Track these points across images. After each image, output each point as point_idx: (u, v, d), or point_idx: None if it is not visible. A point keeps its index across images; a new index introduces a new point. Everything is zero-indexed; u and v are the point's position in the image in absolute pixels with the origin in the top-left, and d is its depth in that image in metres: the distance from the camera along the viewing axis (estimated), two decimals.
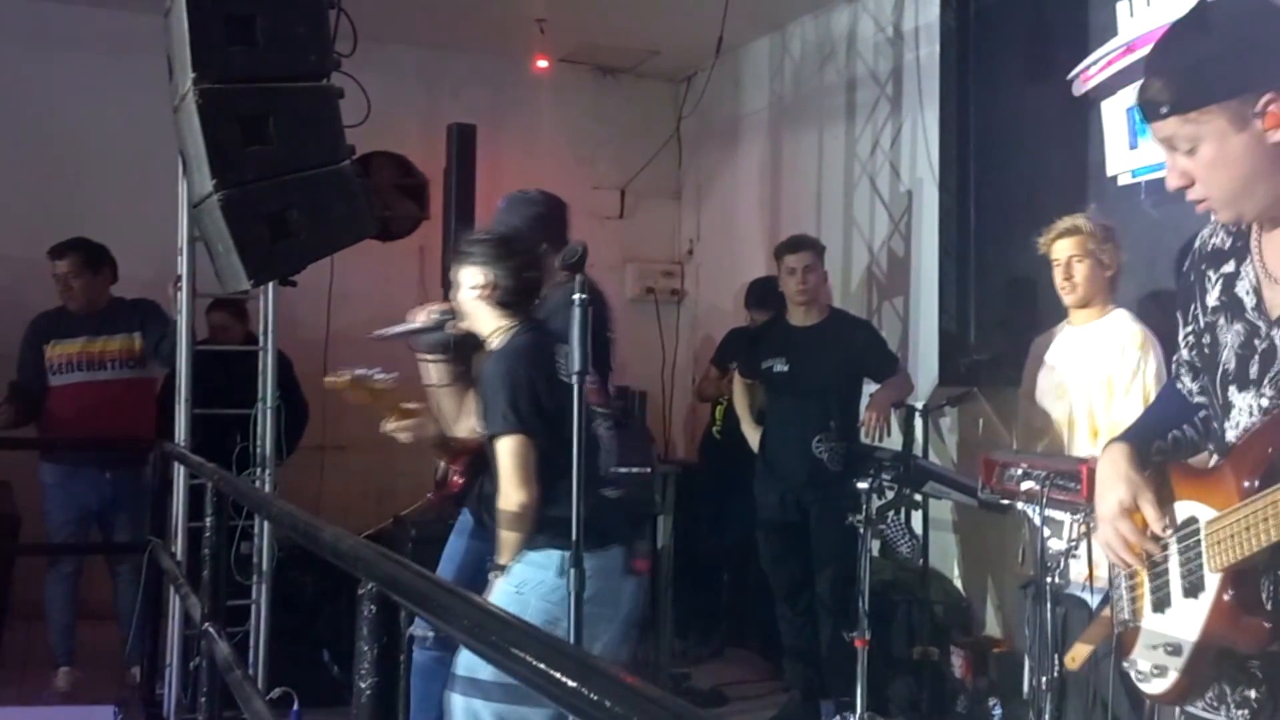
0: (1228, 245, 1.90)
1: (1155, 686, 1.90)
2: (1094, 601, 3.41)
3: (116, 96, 6.30)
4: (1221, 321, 1.87)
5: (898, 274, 5.96)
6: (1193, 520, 1.84)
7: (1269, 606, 1.75)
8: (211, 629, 3.09)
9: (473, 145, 5.38)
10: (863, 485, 4.14)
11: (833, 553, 4.74)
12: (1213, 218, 1.89)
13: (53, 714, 4.51)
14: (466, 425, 3.41)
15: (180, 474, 4.48)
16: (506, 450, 2.98)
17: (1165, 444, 1.99)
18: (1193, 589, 1.83)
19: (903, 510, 5.12)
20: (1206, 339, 1.91)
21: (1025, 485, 3.29)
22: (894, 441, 5.14)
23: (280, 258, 3.72)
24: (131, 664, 4.98)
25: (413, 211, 5.71)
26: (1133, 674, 1.95)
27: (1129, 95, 4.31)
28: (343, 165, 3.76)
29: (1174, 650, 1.85)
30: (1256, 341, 1.81)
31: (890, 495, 4.39)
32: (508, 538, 3.00)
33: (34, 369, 5.19)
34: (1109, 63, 4.39)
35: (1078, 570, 3.26)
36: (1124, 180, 4.38)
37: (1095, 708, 3.45)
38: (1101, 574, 3.39)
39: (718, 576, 6.31)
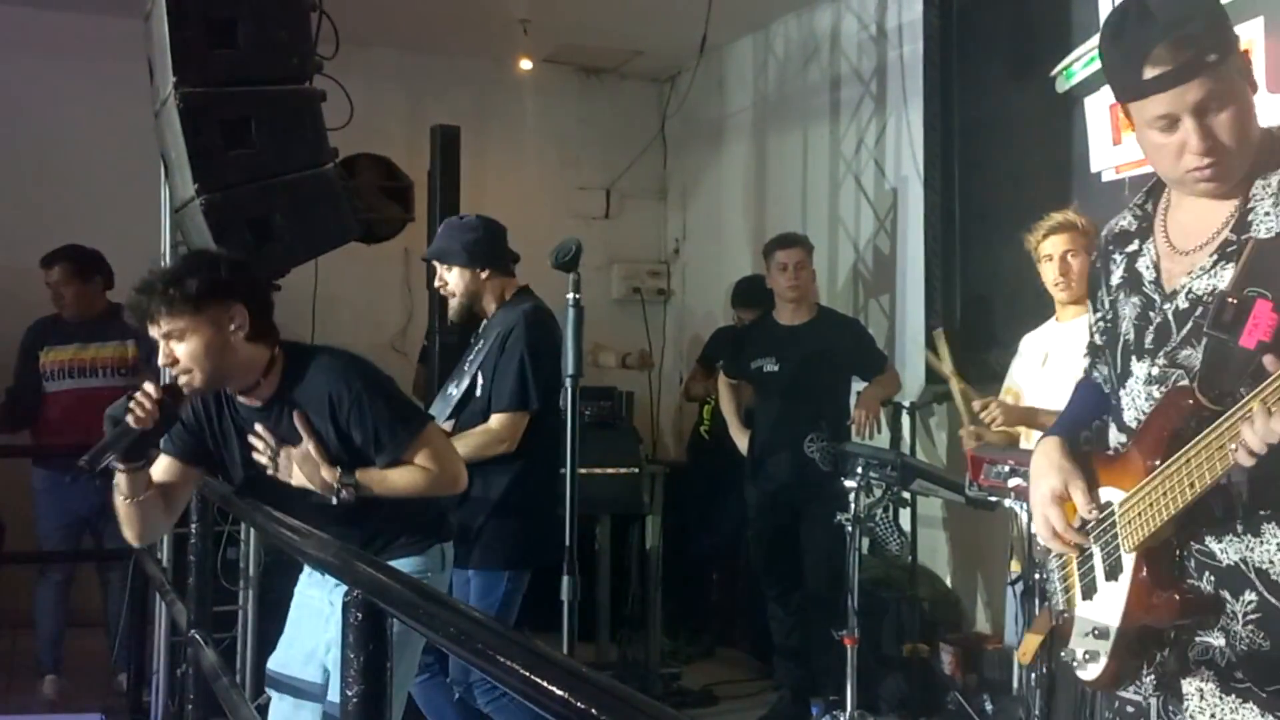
0: (1134, 227, 1.97)
1: (1089, 672, 1.94)
2: None
3: (97, 101, 6.27)
4: (1122, 296, 1.94)
5: (883, 272, 5.97)
6: (1108, 504, 1.90)
7: (1181, 581, 1.81)
8: (198, 636, 3.07)
9: (457, 147, 5.37)
10: (851, 483, 4.14)
11: (823, 552, 4.74)
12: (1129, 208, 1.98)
13: None
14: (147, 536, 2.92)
15: None
16: (437, 437, 2.84)
17: (1090, 434, 2.07)
18: (1113, 571, 1.88)
19: (891, 508, 5.12)
20: (1110, 315, 1.98)
21: (1013, 482, 3.29)
22: (882, 439, 5.14)
23: (264, 262, 3.69)
24: (118, 671, 4.96)
25: (397, 214, 5.68)
26: (1071, 662, 1.99)
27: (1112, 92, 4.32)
28: (326, 168, 3.74)
29: (1101, 634, 1.90)
30: (1152, 314, 1.87)
31: (878, 493, 4.39)
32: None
33: (29, 375, 5.20)
34: (1092, 59, 4.40)
35: None
36: (1108, 176, 4.39)
37: (1085, 705, 3.46)
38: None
39: (706, 576, 6.31)
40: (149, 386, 2.63)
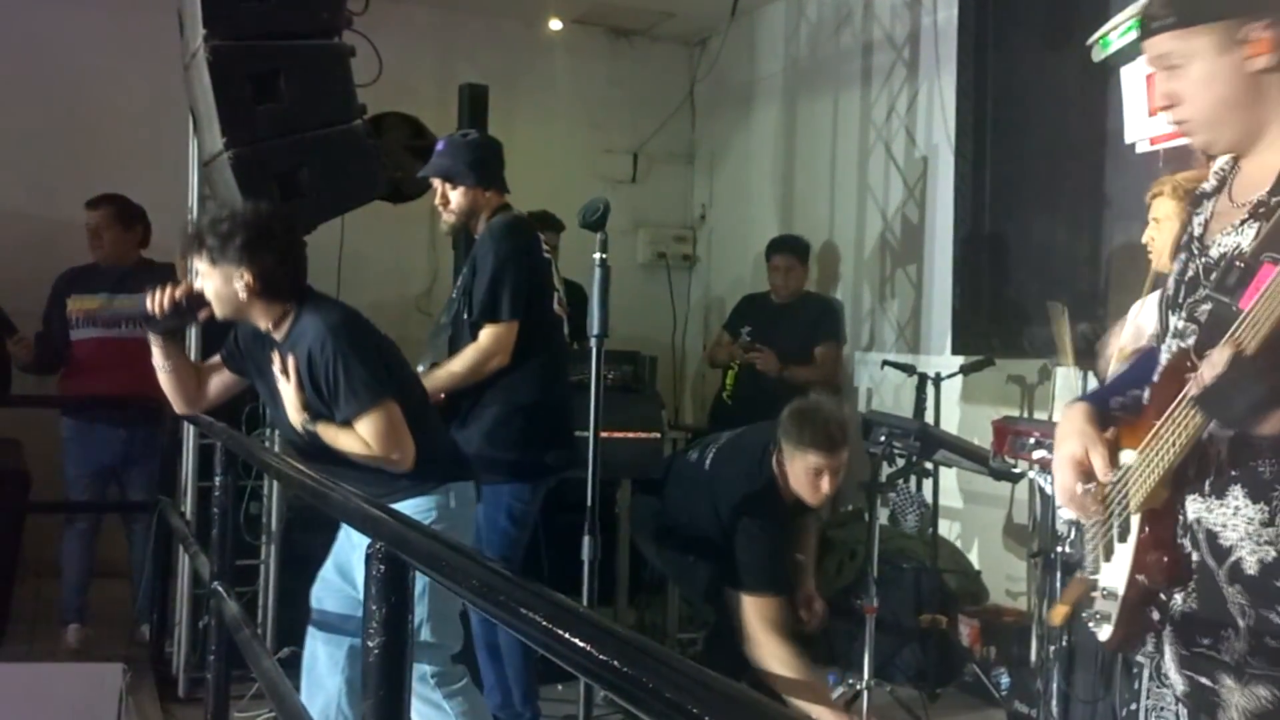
0: (1210, 188, 1.93)
1: (1103, 633, 1.94)
2: None
3: (128, 54, 6.26)
4: (1182, 255, 1.92)
5: (911, 241, 5.93)
6: (1123, 466, 1.88)
7: (1176, 543, 1.79)
8: (220, 587, 3.09)
9: (485, 106, 5.35)
10: (873, 451, 4.12)
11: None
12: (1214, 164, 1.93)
13: (61, 671, 4.53)
14: (196, 404, 3.23)
15: (190, 433, 4.49)
16: (380, 418, 2.88)
17: (1126, 399, 2.02)
18: (1123, 533, 1.88)
19: (914, 479, 5.11)
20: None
21: (1037, 454, 3.28)
22: (906, 410, 5.12)
23: (290, 217, 3.69)
24: (141, 621, 5.01)
25: None
26: (1089, 624, 1.98)
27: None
28: (354, 124, 3.74)
29: (1110, 595, 1.89)
30: (1191, 267, 1.85)
31: (901, 463, 4.37)
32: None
33: (59, 322, 5.21)
34: (1130, 28, 4.33)
35: None
36: (1142, 148, 4.32)
37: (1101, 678, 3.45)
38: None
39: None
40: (178, 289, 3.01)
